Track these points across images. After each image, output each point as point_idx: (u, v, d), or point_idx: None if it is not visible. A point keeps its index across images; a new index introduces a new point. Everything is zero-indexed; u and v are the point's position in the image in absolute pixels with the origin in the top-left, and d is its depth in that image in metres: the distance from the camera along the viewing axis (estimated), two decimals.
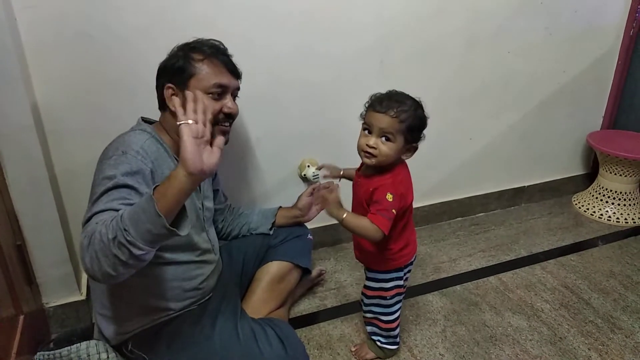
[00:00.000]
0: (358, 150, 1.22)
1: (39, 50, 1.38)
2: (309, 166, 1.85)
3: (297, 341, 1.27)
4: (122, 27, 1.44)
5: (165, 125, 1.25)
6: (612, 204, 2.30)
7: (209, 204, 1.40)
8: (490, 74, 2.08)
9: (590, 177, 2.56)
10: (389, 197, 1.16)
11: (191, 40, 1.25)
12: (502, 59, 2.07)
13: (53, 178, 1.47)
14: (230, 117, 1.26)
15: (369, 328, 1.45)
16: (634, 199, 2.30)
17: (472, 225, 2.29)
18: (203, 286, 1.32)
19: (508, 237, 2.19)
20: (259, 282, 1.50)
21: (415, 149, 1.22)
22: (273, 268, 1.52)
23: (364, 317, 1.45)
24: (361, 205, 1.24)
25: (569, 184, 2.56)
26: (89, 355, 1.24)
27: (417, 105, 1.20)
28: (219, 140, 0.99)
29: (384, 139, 1.17)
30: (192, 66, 1.19)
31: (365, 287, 1.39)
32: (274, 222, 1.60)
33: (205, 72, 1.19)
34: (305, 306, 1.72)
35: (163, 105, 1.24)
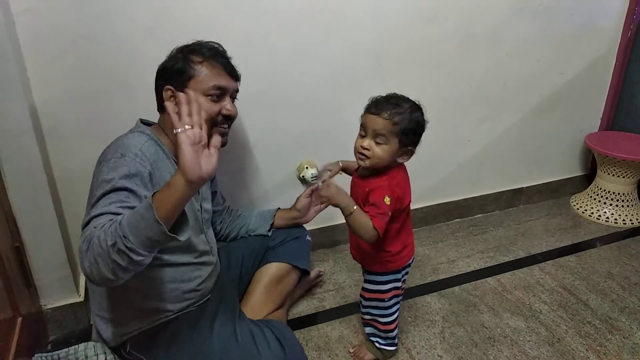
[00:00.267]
0: (354, 151, 1.23)
1: (37, 52, 1.38)
2: (307, 168, 1.85)
3: (295, 343, 1.27)
4: (121, 29, 1.45)
5: (164, 127, 1.25)
6: (610, 205, 2.31)
7: (207, 205, 1.40)
8: (488, 76, 2.09)
9: (588, 178, 2.57)
10: (387, 200, 1.16)
11: (190, 42, 1.25)
12: (499, 61, 2.07)
13: (51, 180, 1.47)
14: (229, 119, 1.26)
15: (367, 329, 1.45)
16: (632, 200, 2.30)
17: (471, 226, 2.29)
18: (201, 288, 1.32)
19: (506, 238, 2.19)
20: (258, 284, 1.50)
21: (412, 152, 1.21)
22: (272, 269, 1.52)
23: (362, 318, 1.45)
24: (365, 204, 1.25)
25: (567, 185, 2.56)
26: (86, 357, 1.24)
27: (415, 109, 1.19)
28: (216, 140, 0.99)
29: (378, 140, 1.17)
30: (191, 68, 1.19)
31: (363, 289, 1.39)
32: (273, 223, 1.60)
33: (205, 74, 1.20)
34: (303, 307, 1.72)
35: (162, 106, 1.25)
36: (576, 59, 2.25)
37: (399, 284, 1.36)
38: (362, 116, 1.22)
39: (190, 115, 0.95)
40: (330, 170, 1.44)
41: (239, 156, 1.77)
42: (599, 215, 2.32)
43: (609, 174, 2.28)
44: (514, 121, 2.25)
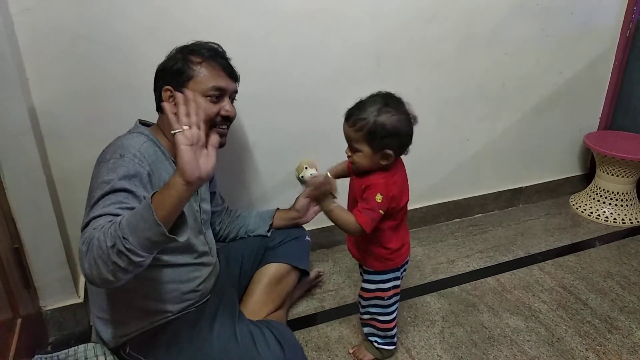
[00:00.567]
0: None
1: (36, 53, 1.38)
2: (306, 168, 1.83)
3: (295, 343, 1.27)
4: (120, 29, 1.45)
5: (163, 127, 1.25)
6: (610, 204, 2.31)
7: (206, 206, 1.40)
8: (487, 76, 2.09)
9: (587, 177, 2.57)
10: (378, 197, 1.16)
11: (189, 42, 1.25)
12: (498, 60, 2.07)
13: (50, 180, 1.46)
14: (228, 119, 1.26)
15: (366, 329, 1.45)
16: (631, 200, 2.30)
17: (470, 226, 2.30)
18: (201, 288, 1.32)
19: (506, 238, 2.19)
20: (257, 284, 1.50)
21: (388, 155, 1.17)
22: (271, 270, 1.52)
23: (361, 318, 1.45)
24: (355, 202, 1.25)
25: (566, 185, 2.56)
26: (86, 358, 1.24)
27: (382, 112, 1.14)
28: (214, 139, 0.99)
29: (354, 148, 1.19)
30: (190, 69, 1.19)
31: (362, 289, 1.39)
32: (272, 224, 1.60)
33: (204, 75, 1.20)
34: (303, 308, 1.72)
35: (161, 107, 1.25)
36: (575, 58, 2.26)
37: (399, 282, 1.36)
38: None
39: (188, 115, 0.95)
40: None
41: (238, 156, 1.77)
42: (598, 215, 2.32)
43: (608, 173, 2.28)
44: (513, 121, 2.25)
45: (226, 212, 1.62)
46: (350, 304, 1.72)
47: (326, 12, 1.68)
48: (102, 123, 1.51)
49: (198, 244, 1.31)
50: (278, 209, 1.65)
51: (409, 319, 1.65)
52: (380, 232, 1.25)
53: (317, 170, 1.83)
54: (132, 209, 1.00)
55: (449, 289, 1.81)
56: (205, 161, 0.94)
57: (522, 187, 2.45)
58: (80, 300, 1.55)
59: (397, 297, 1.39)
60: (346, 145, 1.23)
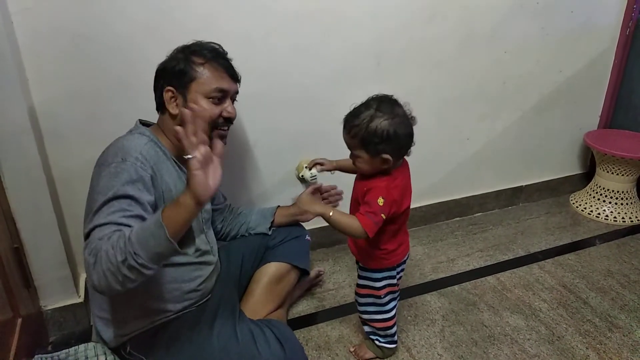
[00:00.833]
0: None
1: (36, 52, 1.38)
2: (306, 167, 1.85)
3: (295, 342, 1.27)
4: (120, 29, 1.44)
5: (164, 127, 1.25)
6: (610, 203, 2.31)
7: (207, 206, 1.40)
8: (487, 74, 2.09)
9: (587, 176, 2.57)
10: (380, 201, 1.16)
11: (190, 42, 1.25)
12: (498, 60, 2.07)
13: (50, 180, 1.46)
14: (229, 121, 1.26)
15: (366, 328, 1.45)
16: (631, 198, 2.30)
17: (470, 225, 2.30)
18: (202, 288, 1.32)
19: (506, 236, 2.19)
20: (258, 283, 1.50)
21: (386, 159, 1.16)
22: (271, 269, 1.52)
23: (360, 317, 1.45)
24: (357, 203, 1.25)
25: (566, 184, 2.56)
26: (87, 358, 1.24)
27: (373, 118, 1.14)
28: (219, 146, 0.99)
29: (354, 154, 1.21)
30: (193, 70, 1.19)
31: (358, 285, 1.39)
32: (273, 221, 1.60)
33: (207, 77, 1.20)
34: (303, 307, 1.72)
35: (162, 107, 1.24)
36: (575, 56, 2.25)
37: (393, 281, 1.36)
38: None
39: (195, 134, 0.94)
40: (322, 165, 1.45)
41: (239, 156, 1.77)
42: (598, 213, 2.32)
43: (608, 172, 2.28)
44: (513, 119, 2.25)
45: (228, 210, 1.62)
46: (351, 303, 1.72)
47: (326, 12, 1.68)
48: (101, 122, 1.51)
49: (199, 243, 1.30)
50: (279, 206, 1.65)
51: (409, 317, 1.65)
52: (379, 235, 1.25)
53: (316, 170, 1.83)
54: (136, 216, 1.03)
55: (449, 287, 1.81)
56: (213, 176, 0.96)
57: (522, 186, 2.45)
58: (81, 299, 1.55)
59: (394, 296, 1.39)
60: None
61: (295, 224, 1.63)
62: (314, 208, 1.22)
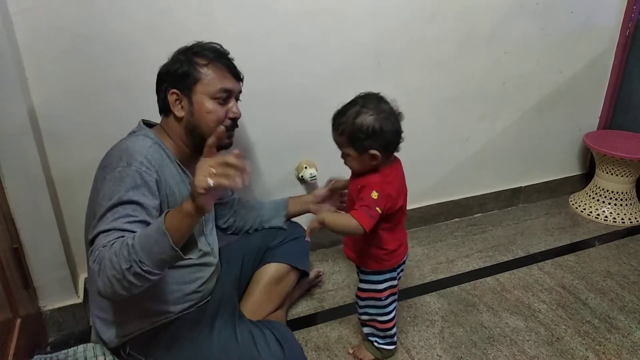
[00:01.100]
0: None
1: (36, 52, 1.38)
2: (306, 168, 1.85)
3: (295, 344, 1.27)
4: (120, 28, 1.44)
5: (168, 129, 1.25)
6: (609, 204, 2.31)
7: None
8: (487, 75, 2.09)
9: (587, 177, 2.57)
10: (374, 194, 1.16)
11: (191, 43, 1.25)
12: (498, 60, 2.07)
13: (50, 181, 1.46)
14: (235, 121, 1.27)
15: (365, 329, 1.45)
16: (630, 199, 2.30)
17: (470, 225, 2.30)
18: (202, 289, 1.32)
19: (505, 237, 2.19)
20: (257, 284, 1.50)
21: (374, 155, 1.17)
22: (271, 270, 1.52)
23: (360, 319, 1.45)
24: (352, 202, 1.25)
25: (565, 184, 2.56)
26: (86, 358, 1.24)
27: (358, 114, 1.15)
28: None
29: (344, 153, 1.22)
30: (196, 71, 1.19)
31: (359, 289, 1.39)
32: (287, 214, 1.60)
33: (211, 77, 1.20)
34: (302, 308, 1.72)
35: (165, 109, 1.24)
36: (575, 57, 2.25)
37: (394, 282, 1.36)
38: None
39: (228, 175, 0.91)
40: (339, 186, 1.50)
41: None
42: (598, 214, 2.32)
43: (607, 172, 2.28)
44: (513, 120, 2.25)
45: (238, 203, 1.59)
46: (350, 303, 1.72)
47: (326, 12, 1.68)
48: (101, 123, 1.51)
49: (200, 244, 1.30)
50: (290, 197, 1.63)
51: (408, 318, 1.65)
52: (376, 233, 1.26)
53: (316, 170, 1.83)
54: (140, 221, 1.03)
55: (448, 288, 1.81)
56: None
57: (521, 187, 2.45)
58: (80, 300, 1.55)
59: (395, 297, 1.39)
60: None
61: (308, 212, 1.60)
62: (313, 224, 1.20)
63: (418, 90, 1.97)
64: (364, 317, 1.42)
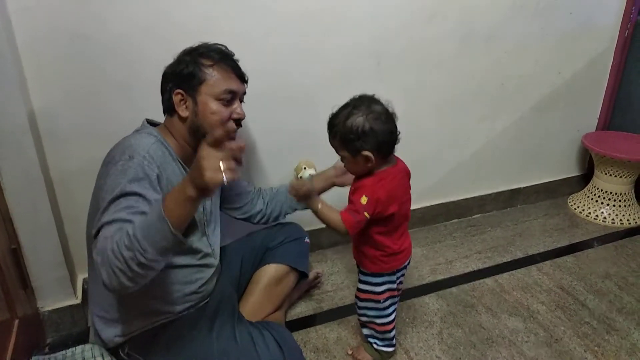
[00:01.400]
0: None
1: (35, 52, 1.37)
2: (305, 168, 1.83)
3: (294, 345, 1.27)
4: (119, 28, 1.44)
5: (172, 129, 1.25)
6: (608, 205, 2.31)
7: (213, 206, 1.39)
8: (486, 75, 2.09)
9: (585, 178, 2.57)
10: (363, 199, 1.17)
11: (196, 44, 1.25)
12: (497, 60, 2.07)
13: (48, 181, 1.46)
14: (239, 122, 1.27)
15: (365, 331, 1.45)
16: (629, 200, 2.30)
17: (469, 226, 2.30)
18: (202, 290, 1.31)
19: (504, 238, 2.19)
20: (256, 285, 1.50)
21: (367, 158, 1.17)
22: (270, 271, 1.52)
23: (359, 320, 1.45)
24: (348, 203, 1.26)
25: (564, 185, 2.56)
26: (84, 359, 1.24)
27: (349, 116, 1.16)
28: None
29: (340, 155, 1.23)
30: (202, 72, 1.19)
31: (358, 289, 1.39)
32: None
33: (216, 78, 1.20)
34: (301, 309, 1.72)
35: (170, 109, 1.24)
36: (574, 58, 2.26)
37: (393, 286, 1.36)
38: None
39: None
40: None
41: None
42: (597, 216, 2.32)
43: (606, 173, 2.28)
44: (512, 121, 2.25)
45: (262, 193, 1.59)
46: (349, 305, 1.72)
47: (326, 12, 1.68)
48: (100, 123, 1.50)
49: (201, 245, 1.30)
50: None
51: (407, 320, 1.65)
52: (370, 237, 1.26)
53: (315, 171, 1.83)
54: (142, 212, 1.01)
55: (447, 289, 1.81)
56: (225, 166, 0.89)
57: (520, 188, 2.45)
58: (78, 301, 1.55)
59: (394, 300, 1.39)
60: None
61: (332, 186, 1.58)
62: (307, 198, 1.23)
63: (418, 91, 1.97)
64: (363, 319, 1.42)
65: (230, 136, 1.22)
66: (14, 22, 1.32)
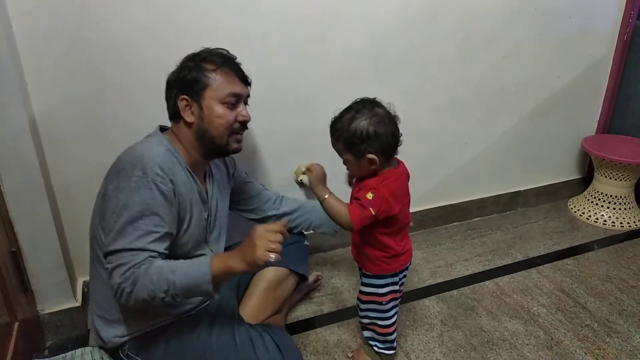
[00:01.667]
0: None
1: (35, 56, 1.38)
2: (304, 172, 1.84)
3: (294, 348, 1.27)
4: (119, 33, 1.44)
5: (179, 135, 1.25)
6: (608, 208, 2.31)
7: (219, 212, 1.38)
8: (486, 79, 2.09)
9: (585, 181, 2.57)
10: (369, 195, 1.17)
11: (199, 50, 1.26)
12: (497, 65, 2.08)
13: (48, 184, 1.46)
14: (244, 124, 1.28)
15: (366, 333, 1.45)
16: (629, 203, 2.30)
17: (469, 229, 2.30)
18: (207, 301, 1.32)
19: (504, 241, 2.19)
20: (256, 288, 1.50)
21: (371, 160, 1.18)
22: (270, 274, 1.51)
23: (361, 322, 1.44)
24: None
25: (564, 188, 2.56)
26: None
27: (352, 120, 1.17)
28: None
29: (343, 158, 1.24)
30: (205, 77, 1.20)
31: (361, 292, 1.39)
32: None
33: (220, 82, 1.21)
34: (301, 312, 1.71)
35: (175, 116, 1.25)
36: (573, 62, 2.26)
37: (396, 287, 1.36)
38: None
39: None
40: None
41: (237, 160, 1.77)
42: (597, 218, 2.32)
43: (606, 177, 2.29)
44: (511, 124, 2.26)
45: (283, 200, 1.62)
46: (349, 307, 1.72)
47: (325, 15, 1.68)
48: (100, 127, 1.51)
49: (201, 252, 1.30)
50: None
51: (407, 322, 1.65)
52: (374, 237, 1.26)
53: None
54: (164, 235, 1.11)
55: (447, 292, 1.81)
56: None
57: (520, 191, 2.45)
58: (78, 304, 1.55)
59: (396, 302, 1.39)
60: None
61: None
62: (315, 186, 1.24)
63: (417, 94, 1.97)
64: (365, 321, 1.41)
65: (237, 139, 1.25)
66: (14, 27, 1.33)
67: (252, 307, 1.46)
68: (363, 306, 1.39)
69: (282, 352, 1.21)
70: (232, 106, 1.23)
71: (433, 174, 2.19)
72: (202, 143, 1.24)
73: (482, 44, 2.01)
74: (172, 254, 1.15)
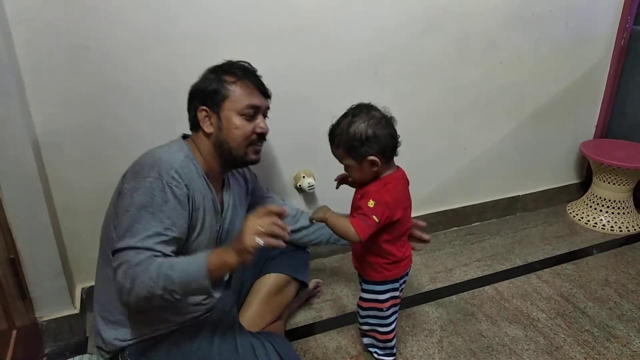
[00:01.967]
0: None
1: (35, 64, 1.38)
2: (304, 177, 1.85)
3: (295, 356, 1.27)
4: (120, 38, 1.45)
5: (199, 144, 1.27)
6: (606, 212, 2.31)
7: (231, 226, 1.37)
8: (483, 85, 2.10)
9: (584, 186, 2.58)
10: (370, 203, 1.18)
11: (221, 62, 1.27)
12: (494, 70, 2.09)
13: (47, 191, 1.46)
14: (262, 136, 1.29)
15: (365, 340, 1.44)
16: (627, 208, 2.31)
17: (468, 234, 2.30)
18: (207, 302, 1.31)
19: (503, 246, 2.19)
20: (256, 295, 1.50)
21: (373, 161, 1.19)
22: (270, 280, 1.51)
23: (360, 329, 1.44)
24: (355, 211, 1.26)
25: (563, 193, 2.57)
26: None
27: (351, 124, 1.19)
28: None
29: (345, 164, 1.24)
30: (225, 88, 1.22)
31: (361, 298, 1.39)
32: None
33: (239, 94, 1.23)
34: (301, 318, 1.71)
35: (195, 126, 1.27)
36: (571, 67, 2.27)
37: (396, 293, 1.36)
38: None
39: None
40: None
41: None
42: (595, 223, 2.32)
43: (604, 181, 2.29)
44: (509, 130, 2.26)
45: (306, 217, 1.58)
46: (349, 313, 1.71)
47: (324, 22, 1.69)
48: (100, 133, 1.51)
49: None
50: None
51: (407, 328, 1.64)
52: (377, 244, 1.26)
53: (314, 180, 1.83)
54: (172, 239, 1.11)
55: (447, 298, 1.81)
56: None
57: (519, 196, 2.45)
58: (77, 311, 1.54)
59: (396, 309, 1.38)
60: None
61: None
62: (318, 214, 1.24)
63: (416, 99, 1.98)
64: (365, 327, 1.41)
65: (255, 150, 1.27)
66: (14, 33, 1.33)
67: (252, 314, 1.46)
68: (363, 313, 1.39)
69: None
70: (251, 118, 1.24)
71: (432, 179, 2.19)
72: (220, 153, 1.25)
73: (479, 49, 2.02)
74: None
